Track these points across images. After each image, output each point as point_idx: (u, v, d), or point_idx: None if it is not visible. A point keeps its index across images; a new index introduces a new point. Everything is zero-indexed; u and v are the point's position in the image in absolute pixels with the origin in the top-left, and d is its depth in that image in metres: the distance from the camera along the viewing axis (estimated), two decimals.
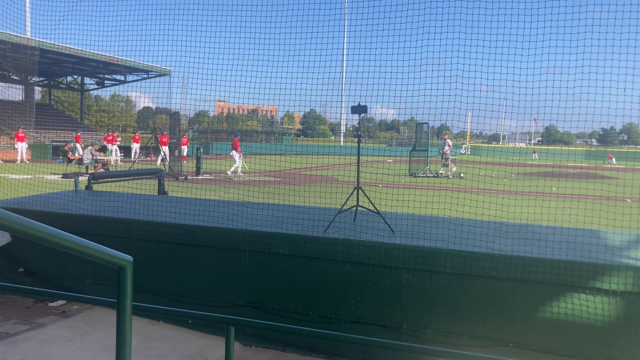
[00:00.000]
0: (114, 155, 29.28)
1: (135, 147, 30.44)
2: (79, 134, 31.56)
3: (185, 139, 29.09)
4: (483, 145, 61.01)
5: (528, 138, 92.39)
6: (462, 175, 23.03)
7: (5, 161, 26.97)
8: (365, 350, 4.92)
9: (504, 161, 31.60)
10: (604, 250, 4.82)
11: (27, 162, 27.42)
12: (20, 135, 28.00)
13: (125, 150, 32.71)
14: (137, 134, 31.83)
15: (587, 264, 4.42)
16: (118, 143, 31.43)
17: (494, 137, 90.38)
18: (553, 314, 4.45)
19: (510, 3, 5.90)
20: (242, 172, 22.09)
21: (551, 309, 4.47)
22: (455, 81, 5.85)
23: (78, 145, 28.10)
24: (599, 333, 4.34)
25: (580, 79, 5.46)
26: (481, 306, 4.68)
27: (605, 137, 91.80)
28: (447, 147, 24.61)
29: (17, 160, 27.60)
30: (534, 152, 55.48)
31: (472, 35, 5.99)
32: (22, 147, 28.04)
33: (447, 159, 24.32)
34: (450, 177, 23.22)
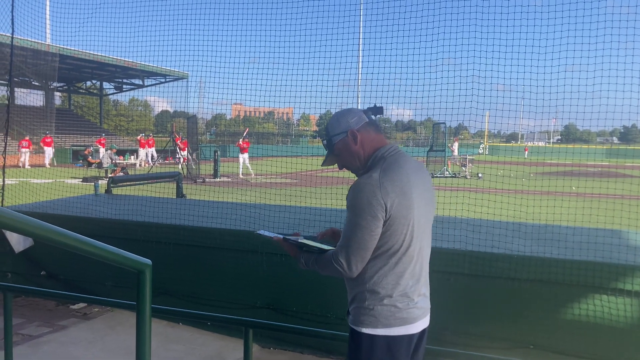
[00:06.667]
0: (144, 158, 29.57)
1: (151, 151, 30.68)
2: (104, 138, 31.92)
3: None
4: (501, 144, 60.40)
5: (547, 137, 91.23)
6: (480, 175, 22.85)
7: (32, 166, 27.44)
8: None
9: (502, 160, 31.28)
10: (625, 250, 4.74)
11: (49, 166, 27.88)
12: (47, 140, 28.62)
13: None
14: (151, 138, 32.03)
15: (608, 265, 4.34)
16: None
17: (512, 137, 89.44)
18: (574, 315, 4.39)
19: (526, 0, 5.84)
20: (242, 175, 22.14)
21: (572, 311, 4.40)
22: (472, 81, 5.82)
23: (102, 149, 28.48)
24: (621, 335, 4.26)
25: (600, 76, 5.37)
26: (500, 307, 4.63)
27: (627, 135, 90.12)
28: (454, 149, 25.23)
29: (45, 164, 28.10)
30: (525, 150, 54.86)
31: (488, 34, 5.95)
32: (49, 152, 28.65)
33: (454, 159, 24.79)
34: (468, 177, 23.07)
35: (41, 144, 28.93)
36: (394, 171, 2.10)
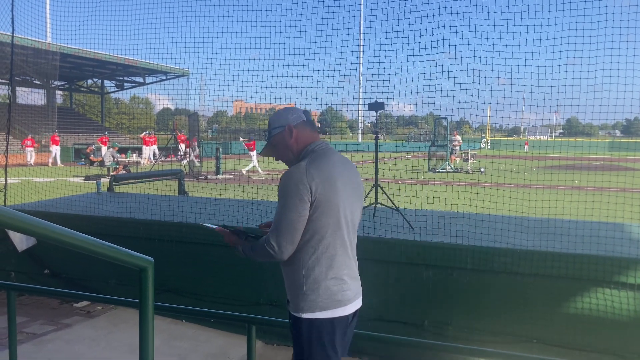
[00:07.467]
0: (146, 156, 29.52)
1: (153, 149, 30.54)
2: (106, 136, 31.83)
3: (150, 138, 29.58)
4: (503, 138, 60.17)
5: (549, 131, 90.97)
6: (482, 169, 22.82)
7: (37, 164, 27.46)
8: (386, 348, 4.92)
9: (504, 154, 31.15)
10: (628, 244, 4.73)
11: (51, 165, 27.87)
12: (56, 138, 28.62)
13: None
14: (152, 135, 31.83)
15: (611, 258, 4.34)
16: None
17: (515, 131, 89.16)
18: (577, 309, 4.39)
19: None
20: (245, 172, 22.10)
21: (575, 304, 4.40)
22: (473, 75, 5.80)
23: (103, 147, 28.41)
24: (624, 328, 4.26)
25: (602, 69, 5.35)
26: (503, 302, 4.63)
27: (629, 128, 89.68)
28: (455, 143, 24.73)
29: (49, 163, 28.07)
30: (526, 144, 54.84)
31: (489, 27, 5.93)
32: (56, 150, 28.63)
33: (454, 153, 24.56)
34: (471, 171, 23.03)
35: (51, 142, 28.92)
36: (321, 161, 2.29)
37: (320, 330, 2.25)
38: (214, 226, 2.56)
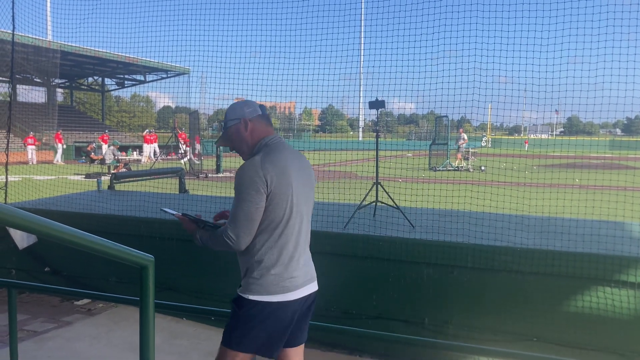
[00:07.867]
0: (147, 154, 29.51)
1: (154, 147, 30.50)
2: (107, 134, 31.79)
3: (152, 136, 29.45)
4: (504, 137, 60.11)
5: (550, 129, 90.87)
6: (483, 168, 22.79)
7: (40, 162, 27.46)
8: (387, 346, 4.92)
9: (505, 152, 31.03)
10: (629, 242, 4.73)
11: (55, 163, 27.85)
12: (60, 136, 28.64)
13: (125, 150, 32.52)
14: (153, 133, 31.74)
15: (611, 257, 4.34)
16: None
17: (515, 129, 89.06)
18: (577, 307, 4.39)
19: None
20: None
21: (575, 303, 4.41)
22: (474, 73, 5.79)
23: (104, 145, 28.37)
24: (625, 326, 4.26)
25: (603, 67, 5.35)
26: (503, 300, 4.63)
27: (630, 127, 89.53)
28: (461, 141, 24.56)
29: (52, 161, 28.07)
30: (525, 142, 54.82)
31: (490, 25, 5.92)
32: (60, 148, 28.64)
33: (460, 151, 24.37)
34: (471, 170, 23.01)
35: (56, 140, 28.95)
36: (274, 154, 2.40)
37: (262, 312, 2.36)
38: (174, 212, 2.64)
